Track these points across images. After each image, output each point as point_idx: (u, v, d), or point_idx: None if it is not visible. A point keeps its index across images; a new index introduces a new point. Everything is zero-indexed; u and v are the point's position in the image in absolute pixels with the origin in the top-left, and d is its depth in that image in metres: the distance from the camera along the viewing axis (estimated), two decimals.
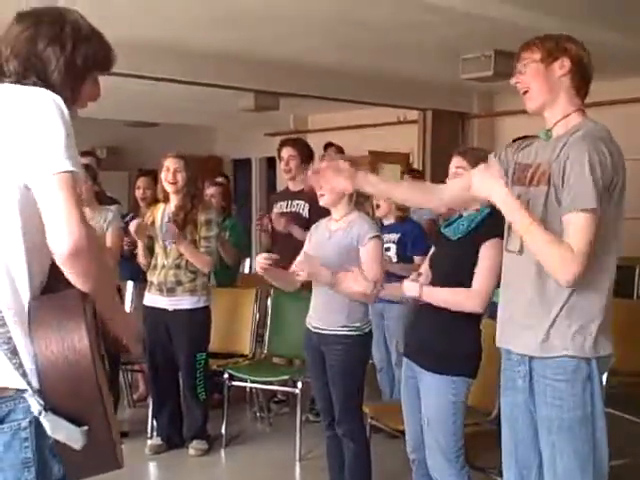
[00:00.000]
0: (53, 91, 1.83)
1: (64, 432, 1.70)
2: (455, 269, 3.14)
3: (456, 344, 3.12)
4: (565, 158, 2.38)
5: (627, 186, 2.45)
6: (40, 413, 1.70)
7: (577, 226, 2.33)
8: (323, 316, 3.69)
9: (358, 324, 3.64)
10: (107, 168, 10.09)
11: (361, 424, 3.80)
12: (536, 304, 2.47)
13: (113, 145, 12.19)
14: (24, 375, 1.72)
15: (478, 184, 2.50)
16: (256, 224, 3.81)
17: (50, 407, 1.70)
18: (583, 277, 2.32)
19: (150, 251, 4.87)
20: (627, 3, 5.24)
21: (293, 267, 3.64)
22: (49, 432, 1.71)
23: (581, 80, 2.51)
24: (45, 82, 1.85)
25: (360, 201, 3.75)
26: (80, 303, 1.74)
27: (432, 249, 3.46)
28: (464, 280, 3.09)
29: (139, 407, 5.83)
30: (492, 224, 3.04)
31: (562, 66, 2.48)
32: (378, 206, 5.20)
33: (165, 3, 5.32)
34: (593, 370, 2.43)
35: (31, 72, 1.85)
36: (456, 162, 3.27)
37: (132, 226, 4.68)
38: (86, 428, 1.71)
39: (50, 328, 1.71)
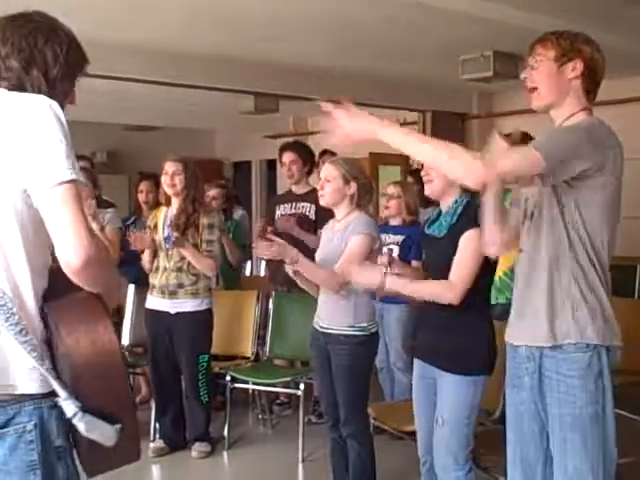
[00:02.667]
0: (52, 88, 1.84)
1: (98, 431, 1.72)
2: (447, 266, 3.12)
3: (471, 342, 3.11)
4: None
5: (625, 185, 2.46)
6: (75, 415, 1.71)
7: (512, 149, 2.36)
8: (330, 316, 3.70)
9: (364, 324, 3.64)
10: (107, 172, 10.13)
11: (366, 425, 3.81)
12: (543, 298, 2.48)
13: (113, 149, 12.19)
14: (56, 378, 1.73)
15: (352, 130, 2.49)
16: (258, 233, 3.80)
17: (85, 408, 1.72)
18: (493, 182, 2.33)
19: (155, 254, 4.87)
20: (625, 3, 5.25)
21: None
22: (83, 432, 1.72)
23: (591, 83, 2.51)
24: (46, 78, 1.85)
25: (362, 203, 3.75)
26: (101, 304, 1.77)
27: (424, 253, 3.47)
28: None
29: (141, 410, 5.80)
30: (470, 215, 3.07)
31: (575, 68, 2.47)
32: (387, 207, 5.21)
33: (164, 6, 5.32)
34: (604, 367, 2.43)
35: (33, 66, 1.85)
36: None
37: (131, 239, 4.70)
38: (120, 426, 1.74)
39: (79, 331, 1.73)
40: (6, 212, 1.73)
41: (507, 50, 6.77)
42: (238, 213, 7.15)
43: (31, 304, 1.76)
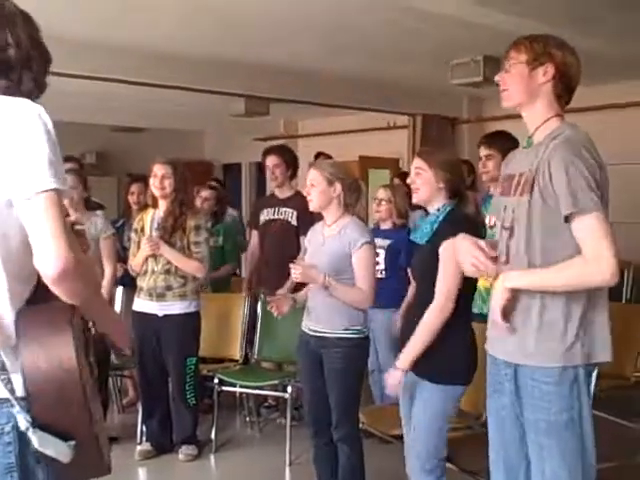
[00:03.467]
0: (44, 74, 1.84)
1: (52, 447, 1.70)
2: (429, 273, 3.12)
3: (449, 351, 3.10)
4: (547, 166, 2.37)
5: (612, 191, 2.45)
6: (28, 429, 1.69)
7: (582, 233, 2.32)
8: (324, 319, 3.69)
9: (359, 327, 3.65)
10: (96, 173, 10.10)
11: (357, 429, 3.80)
12: (524, 313, 2.46)
13: (102, 150, 12.15)
14: (12, 391, 1.71)
15: (497, 308, 2.46)
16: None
17: (38, 423, 1.69)
18: (617, 266, 2.27)
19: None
20: (611, 10, 5.27)
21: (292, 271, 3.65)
22: (36, 447, 1.69)
23: (564, 88, 2.52)
24: (41, 68, 1.84)
25: (350, 203, 3.75)
26: (67, 316, 1.73)
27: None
28: (434, 284, 3.07)
29: (128, 412, 5.82)
30: (448, 225, 3.07)
31: (546, 72, 2.49)
32: (379, 211, 5.21)
33: (155, 8, 5.31)
34: (580, 372, 2.43)
35: (32, 59, 1.83)
36: (414, 163, 3.31)
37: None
38: (73, 443, 1.70)
39: (37, 343, 1.70)
40: None
41: (497, 55, 6.68)
42: (231, 215, 7.13)
43: (6, 311, 1.74)
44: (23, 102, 1.75)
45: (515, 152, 2.68)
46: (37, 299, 1.77)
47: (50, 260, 1.63)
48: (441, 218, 3.17)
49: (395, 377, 3.12)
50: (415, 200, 3.30)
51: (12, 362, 1.73)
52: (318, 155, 6.74)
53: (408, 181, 3.34)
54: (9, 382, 1.71)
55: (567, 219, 2.33)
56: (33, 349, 1.69)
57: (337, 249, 3.65)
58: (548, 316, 2.42)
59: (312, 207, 3.78)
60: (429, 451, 3.12)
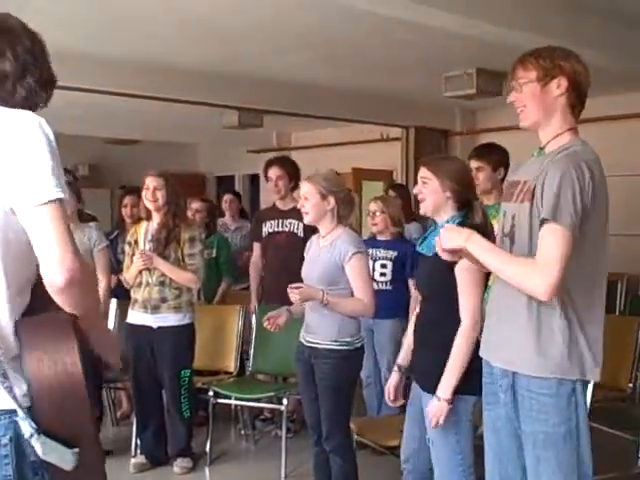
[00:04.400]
0: (44, 88, 1.84)
1: (55, 454, 1.70)
2: (437, 286, 3.10)
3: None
4: (544, 175, 2.39)
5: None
6: (32, 436, 1.69)
7: (545, 239, 2.34)
8: (315, 330, 3.71)
9: (349, 339, 3.64)
10: (89, 185, 10.09)
11: (349, 440, 3.80)
12: (523, 322, 2.47)
13: (95, 162, 12.17)
14: (15, 398, 1.71)
15: (445, 242, 2.52)
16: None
17: (42, 429, 1.69)
18: (559, 288, 2.31)
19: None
20: (605, 21, 5.31)
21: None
22: (40, 454, 1.70)
23: (577, 98, 2.51)
24: (39, 82, 1.84)
25: (344, 215, 3.76)
26: (71, 326, 1.74)
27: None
28: (446, 297, 3.02)
29: (123, 425, 5.79)
30: None
31: (559, 85, 2.48)
32: (375, 224, 5.22)
33: (148, 20, 5.33)
34: (577, 385, 2.43)
35: (27, 73, 1.83)
36: (420, 172, 3.24)
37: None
38: (77, 450, 1.71)
39: (42, 350, 1.70)
40: None
41: (490, 68, 6.82)
42: (246, 228, 7.10)
43: (5, 321, 1.74)
44: (24, 113, 1.76)
45: (526, 161, 2.67)
46: (36, 309, 1.77)
47: (57, 269, 1.64)
48: None
49: (442, 409, 2.99)
50: (422, 211, 3.23)
51: (15, 371, 1.73)
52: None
53: (414, 191, 3.29)
54: (11, 390, 1.71)
55: (542, 223, 2.35)
56: (37, 355, 1.70)
57: (329, 260, 3.66)
58: (545, 327, 2.43)
59: (307, 220, 3.80)
60: (452, 461, 3.05)
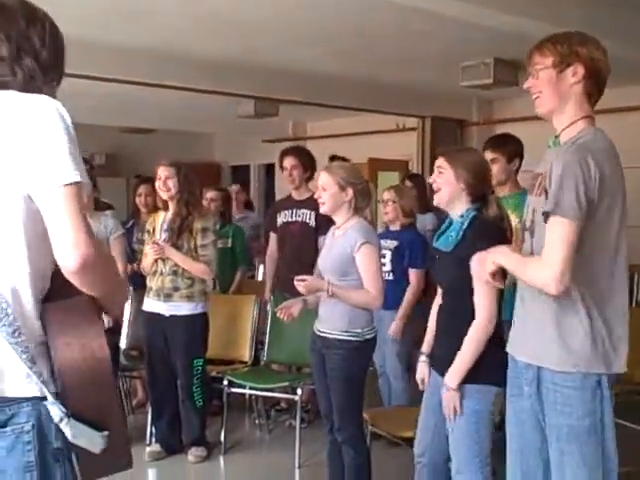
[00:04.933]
0: (46, 71, 1.82)
1: (85, 438, 1.72)
2: (457, 281, 3.08)
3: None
4: (551, 168, 2.38)
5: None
6: (62, 420, 1.71)
7: (549, 233, 2.35)
8: (327, 320, 3.71)
9: (359, 330, 3.64)
10: (105, 174, 10.13)
11: (361, 431, 3.80)
12: (546, 317, 2.46)
13: (111, 151, 12.20)
14: (45, 383, 1.72)
15: (477, 271, 2.65)
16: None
17: (71, 413, 1.71)
18: (565, 279, 2.31)
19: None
20: (622, 11, 5.26)
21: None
22: (70, 438, 1.72)
23: (594, 86, 2.47)
24: (38, 62, 1.82)
25: (361, 207, 3.75)
26: (95, 309, 1.76)
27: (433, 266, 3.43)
28: (466, 290, 3.01)
29: (138, 413, 5.82)
30: (473, 233, 3.01)
31: (575, 73, 2.45)
32: (386, 213, 5.21)
33: (164, 10, 5.33)
34: (603, 379, 2.42)
35: (23, 53, 1.81)
36: (437, 162, 3.22)
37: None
38: (107, 433, 1.73)
39: (70, 335, 1.73)
40: (10, 215, 1.72)
41: (507, 57, 6.78)
42: (252, 219, 7.16)
43: (29, 306, 1.75)
44: (40, 97, 1.75)
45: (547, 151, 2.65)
46: (57, 295, 1.78)
47: (69, 252, 1.64)
48: (465, 225, 3.08)
49: (453, 398, 3.01)
50: (436, 202, 3.21)
51: (41, 356, 1.74)
52: (333, 158, 6.71)
53: (429, 180, 3.27)
54: (40, 375, 1.72)
55: (546, 217, 2.35)
56: (65, 340, 1.72)
57: (341, 250, 3.66)
58: (567, 321, 2.42)
59: (323, 210, 3.78)
60: (471, 452, 3.05)
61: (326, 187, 3.71)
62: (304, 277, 3.68)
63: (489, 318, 2.96)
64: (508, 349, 2.68)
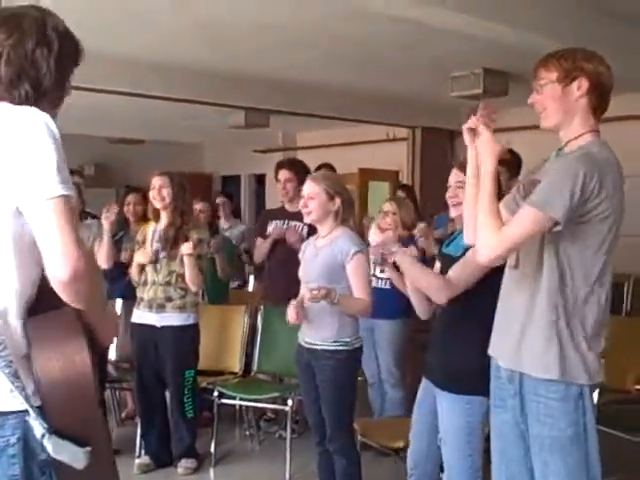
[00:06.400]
0: (43, 96, 1.82)
1: (67, 453, 1.70)
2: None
3: (469, 362, 3.03)
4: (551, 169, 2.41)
5: None
6: (43, 436, 1.69)
7: (524, 214, 2.38)
8: (313, 331, 3.69)
9: (347, 339, 3.63)
10: (94, 185, 10.11)
11: (352, 440, 3.79)
12: (528, 321, 2.46)
13: (101, 162, 12.18)
14: (27, 398, 1.71)
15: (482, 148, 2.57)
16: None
17: (53, 429, 1.70)
18: (498, 259, 2.42)
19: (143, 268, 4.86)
20: (612, 24, 5.29)
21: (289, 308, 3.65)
22: (51, 454, 1.70)
23: (599, 99, 2.48)
24: (36, 88, 1.82)
25: (346, 217, 3.76)
26: (78, 322, 1.75)
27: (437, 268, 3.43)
28: (472, 297, 3.03)
29: (127, 425, 5.78)
30: None
31: (580, 87, 2.45)
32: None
33: (154, 20, 5.33)
34: (584, 388, 2.42)
35: (24, 78, 1.81)
36: (455, 177, 3.22)
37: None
38: (89, 449, 1.71)
39: (51, 349, 1.71)
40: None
41: (497, 68, 6.81)
42: (239, 228, 7.16)
43: (14, 319, 1.75)
44: (29, 110, 1.75)
45: (545, 161, 2.66)
46: (41, 309, 1.77)
47: (62, 265, 1.65)
48: None
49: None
50: (453, 214, 3.25)
51: (24, 370, 1.73)
52: (320, 167, 6.71)
53: (448, 195, 3.27)
54: (23, 390, 1.71)
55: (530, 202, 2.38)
56: (46, 353, 1.70)
57: (329, 260, 3.65)
58: (549, 330, 2.42)
59: (309, 219, 3.78)
60: (463, 463, 3.05)
61: (313, 196, 3.70)
62: (318, 286, 3.57)
63: (451, 295, 3.02)
64: (490, 351, 2.67)
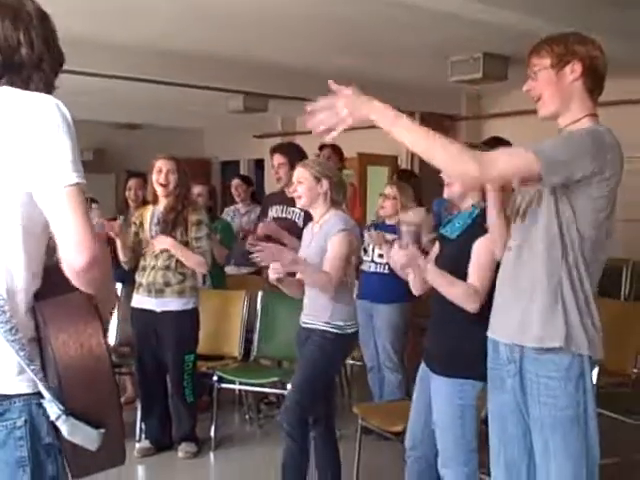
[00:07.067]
0: (42, 71, 1.83)
1: (82, 435, 1.72)
2: (455, 267, 3.13)
3: (463, 346, 3.08)
4: None
5: None
6: (59, 418, 1.71)
7: (509, 151, 2.42)
8: (310, 312, 3.73)
9: (341, 323, 3.65)
10: (94, 170, 10.09)
11: (301, 424, 3.68)
12: (533, 297, 2.48)
13: (100, 147, 12.15)
14: (42, 380, 1.72)
15: (351, 108, 2.47)
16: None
17: (69, 411, 1.71)
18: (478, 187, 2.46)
19: (134, 249, 4.86)
20: (612, 5, 5.27)
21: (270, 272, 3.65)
22: (66, 435, 1.72)
23: (593, 81, 2.49)
24: (32, 63, 1.82)
25: (337, 200, 3.78)
26: (92, 306, 1.77)
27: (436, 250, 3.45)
28: (464, 278, 3.08)
29: (127, 410, 5.77)
30: (479, 225, 3.06)
31: (573, 70, 2.46)
32: (383, 207, 5.22)
33: (153, 5, 5.31)
34: (585, 368, 2.44)
35: (6, 59, 1.80)
36: None
37: (112, 229, 4.68)
38: (103, 430, 1.73)
39: (68, 334, 1.72)
40: (9, 214, 1.72)
41: (496, 52, 6.79)
42: (257, 212, 7.12)
43: (22, 303, 1.76)
44: (41, 95, 1.76)
45: None
46: (51, 291, 1.79)
47: (79, 251, 1.66)
48: (474, 215, 3.16)
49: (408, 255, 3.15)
50: (447, 195, 3.27)
51: (36, 353, 1.75)
52: (322, 147, 6.68)
53: (442, 175, 3.29)
54: (38, 372, 1.73)
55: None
56: (63, 338, 1.72)
57: (322, 243, 3.69)
58: (553, 300, 2.44)
59: (300, 204, 3.83)
60: (457, 443, 3.09)
61: (302, 180, 3.76)
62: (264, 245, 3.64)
63: (480, 301, 3.01)
64: (489, 332, 2.68)
